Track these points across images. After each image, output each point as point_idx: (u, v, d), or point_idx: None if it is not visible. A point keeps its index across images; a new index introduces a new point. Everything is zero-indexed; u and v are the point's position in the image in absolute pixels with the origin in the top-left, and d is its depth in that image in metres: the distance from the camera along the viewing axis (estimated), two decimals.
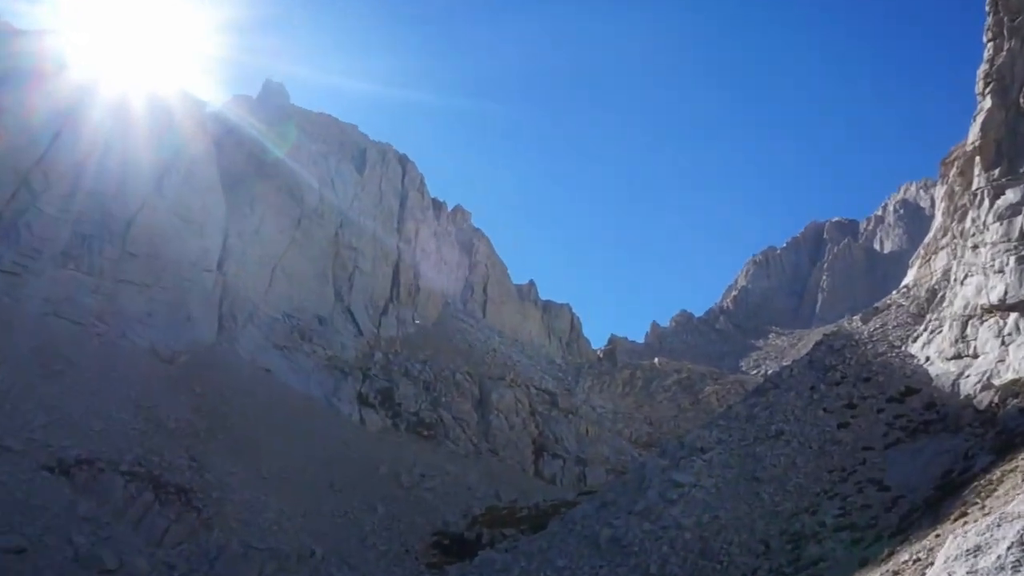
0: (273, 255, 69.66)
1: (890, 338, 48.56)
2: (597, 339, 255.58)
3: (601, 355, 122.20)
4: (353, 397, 64.18)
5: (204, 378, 54.70)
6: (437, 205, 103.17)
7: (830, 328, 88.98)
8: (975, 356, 38.98)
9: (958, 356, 40.24)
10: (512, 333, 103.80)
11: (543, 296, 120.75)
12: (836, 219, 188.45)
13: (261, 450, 49.92)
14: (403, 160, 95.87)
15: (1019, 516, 10.47)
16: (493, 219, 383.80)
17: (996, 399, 33.32)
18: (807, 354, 52.05)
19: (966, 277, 42.43)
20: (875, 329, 51.05)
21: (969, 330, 40.10)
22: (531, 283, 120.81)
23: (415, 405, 66.96)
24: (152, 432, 45.66)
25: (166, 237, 60.58)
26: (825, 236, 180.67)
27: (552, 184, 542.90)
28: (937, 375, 40.73)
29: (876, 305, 59.18)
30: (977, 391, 36.07)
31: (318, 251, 74.20)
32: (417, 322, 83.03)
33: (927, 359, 42.98)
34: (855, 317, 63.65)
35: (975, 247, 41.98)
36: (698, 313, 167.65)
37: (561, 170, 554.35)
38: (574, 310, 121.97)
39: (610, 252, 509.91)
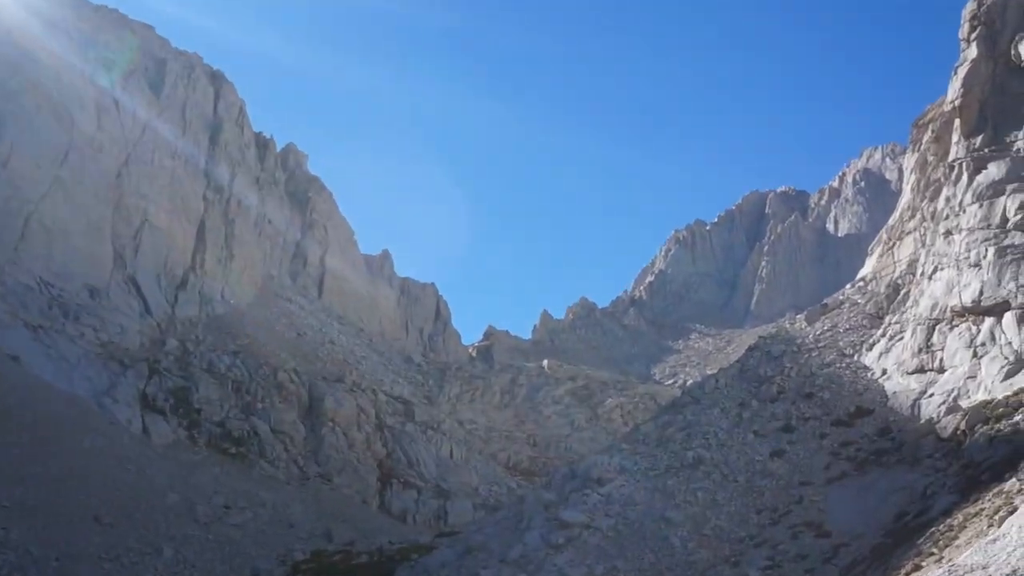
0: (28, 199, 66.85)
1: (840, 344, 50.75)
2: (470, 332, 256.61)
3: (474, 353, 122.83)
4: (134, 398, 62.45)
5: None
6: (262, 142, 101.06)
7: (768, 329, 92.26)
8: (941, 371, 41.23)
9: (921, 370, 42.46)
10: (357, 320, 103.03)
11: (401, 272, 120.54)
12: (782, 189, 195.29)
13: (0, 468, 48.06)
14: (217, 78, 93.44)
15: (971, 569, 11.19)
16: (337, 165, 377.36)
17: (963, 425, 35.33)
18: (737, 361, 53.89)
19: (935, 271, 44.75)
20: (823, 332, 53.25)
21: (936, 337, 42.35)
22: (385, 253, 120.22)
23: (220, 412, 65.70)
24: None
25: None
26: (768, 210, 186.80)
27: (421, 123, 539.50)
28: (894, 393, 42.87)
29: (826, 301, 61.69)
30: (941, 414, 38.17)
31: (93, 197, 71.65)
32: (228, 300, 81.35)
33: (884, 372, 45.17)
34: (799, 316, 66.29)
35: (948, 233, 44.30)
36: (602, 303, 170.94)
37: (434, 103, 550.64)
38: (440, 292, 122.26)
39: (492, 218, 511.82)
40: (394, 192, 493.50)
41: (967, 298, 40.88)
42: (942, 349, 41.74)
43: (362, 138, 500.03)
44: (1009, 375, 37.03)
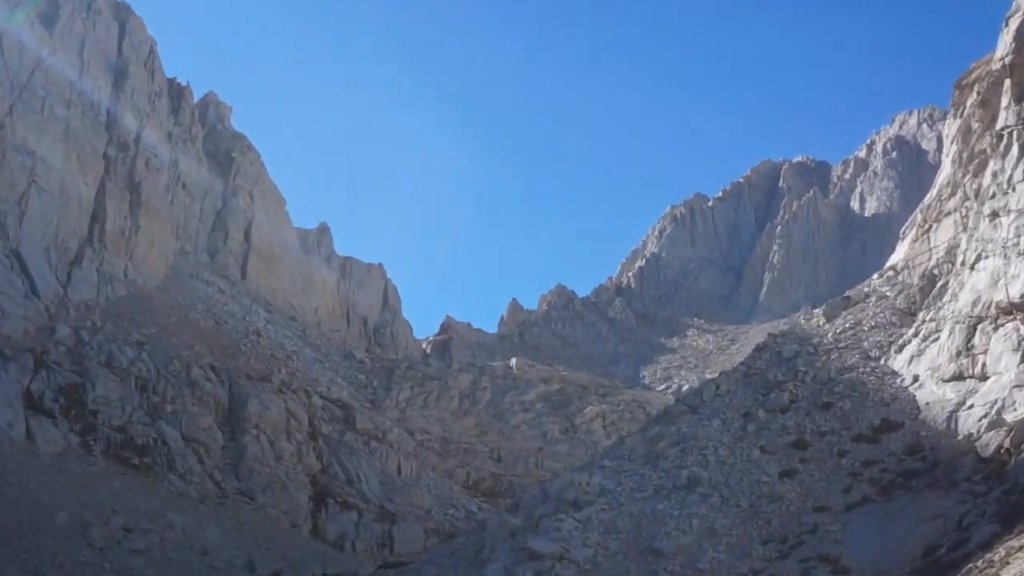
0: None
1: (864, 345, 51.02)
2: (424, 324, 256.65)
3: (428, 349, 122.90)
4: (16, 397, 62.05)
5: None
6: (176, 90, 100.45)
7: (779, 325, 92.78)
8: (983, 378, 41.46)
9: (959, 377, 42.69)
10: (288, 306, 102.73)
11: (341, 250, 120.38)
12: (799, 159, 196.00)
13: None
14: (123, 11, 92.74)
15: None
16: (267, 121, 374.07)
17: (1007, 443, 35.62)
18: (743, 363, 54.10)
19: (978, 259, 45.00)
20: (844, 330, 53.53)
21: (977, 338, 42.57)
22: (323, 227, 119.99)
23: (121, 415, 65.40)
24: None
25: None
26: (781, 184, 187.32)
27: (367, 78, 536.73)
28: (928, 403, 43.14)
29: (848, 294, 62.07)
30: (982, 430, 38.44)
31: None
32: (132, 280, 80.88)
33: (915, 379, 45.45)
34: (816, 310, 66.68)
35: (994, 215, 44.53)
36: (582, 291, 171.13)
37: (389, 50, 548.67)
38: (389, 274, 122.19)
39: (451, 188, 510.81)
40: (335, 155, 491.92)
41: (1015, 292, 41.06)
42: (984, 352, 41.92)
43: (298, 91, 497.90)
44: None
